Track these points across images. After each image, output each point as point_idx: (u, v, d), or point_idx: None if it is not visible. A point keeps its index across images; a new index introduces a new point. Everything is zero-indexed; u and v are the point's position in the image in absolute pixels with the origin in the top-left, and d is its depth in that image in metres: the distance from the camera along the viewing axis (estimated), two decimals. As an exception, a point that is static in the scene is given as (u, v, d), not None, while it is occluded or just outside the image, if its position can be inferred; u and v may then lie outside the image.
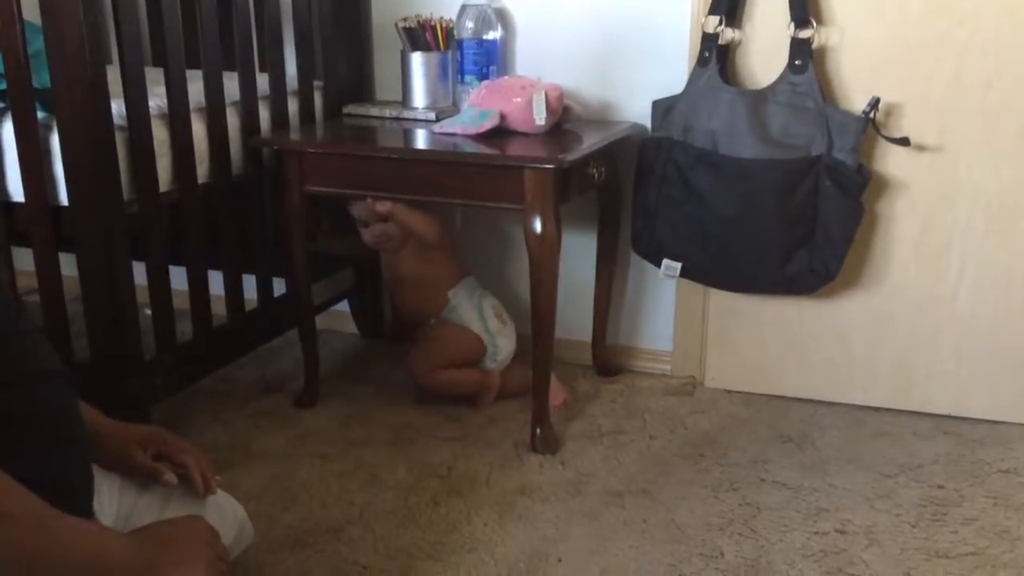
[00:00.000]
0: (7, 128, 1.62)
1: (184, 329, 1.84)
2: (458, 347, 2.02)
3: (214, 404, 2.06)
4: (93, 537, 0.92)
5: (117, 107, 1.61)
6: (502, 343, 2.05)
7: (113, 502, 1.15)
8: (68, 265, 1.66)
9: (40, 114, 1.59)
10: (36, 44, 1.55)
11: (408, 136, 1.98)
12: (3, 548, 0.80)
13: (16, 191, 1.64)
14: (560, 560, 1.54)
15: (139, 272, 1.69)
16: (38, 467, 0.94)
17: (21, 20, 1.53)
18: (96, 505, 1.10)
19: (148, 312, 1.75)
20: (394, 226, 1.97)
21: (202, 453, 1.25)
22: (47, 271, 1.67)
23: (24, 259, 1.70)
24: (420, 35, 2.04)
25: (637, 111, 2.05)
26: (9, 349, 0.94)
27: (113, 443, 1.16)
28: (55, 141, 1.58)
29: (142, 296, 1.72)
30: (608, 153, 1.94)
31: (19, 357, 0.96)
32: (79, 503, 1.02)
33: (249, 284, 1.99)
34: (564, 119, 1.96)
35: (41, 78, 1.57)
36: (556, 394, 2.02)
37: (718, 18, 1.88)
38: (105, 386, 1.68)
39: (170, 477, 1.18)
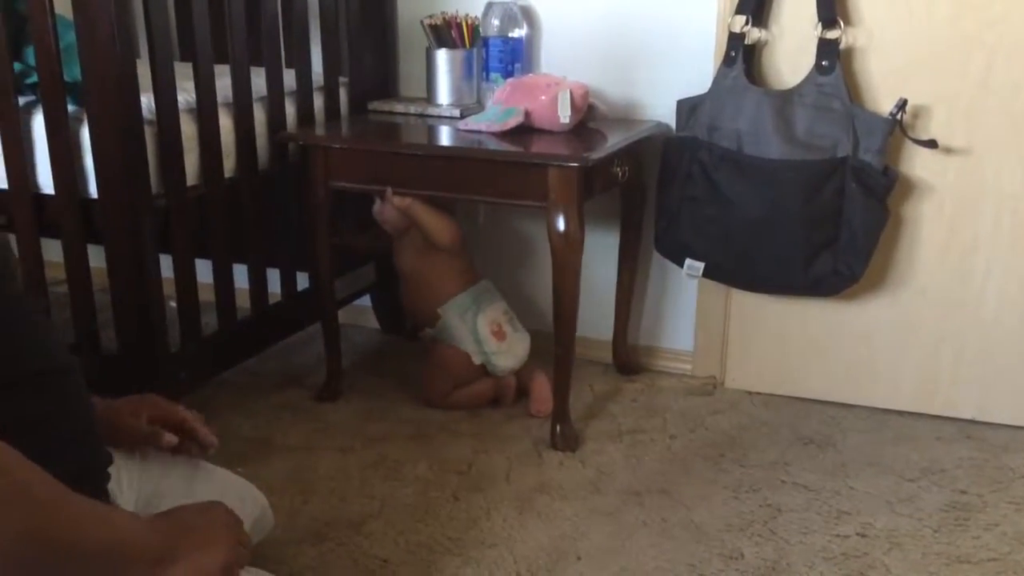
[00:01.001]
0: (38, 121, 1.64)
1: (208, 321, 1.86)
2: (455, 370, 2.01)
3: (237, 397, 2.07)
4: (112, 520, 0.92)
5: (146, 101, 1.62)
6: (501, 361, 2.01)
7: (133, 486, 1.16)
8: (96, 257, 1.68)
9: (71, 107, 1.61)
10: (67, 38, 1.57)
11: (432, 133, 1.99)
12: (22, 526, 0.80)
13: (46, 183, 1.67)
14: (579, 558, 1.54)
15: (165, 265, 1.71)
16: (51, 462, 0.95)
17: (53, 14, 1.55)
18: (116, 490, 1.11)
19: (173, 304, 1.77)
20: (392, 210, 1.96)
21: (196, 412, 1.25)
22: (76, 263, 1.69)
23: (53, 250, 1.72)
24: (446, 32, 2.05)
25: (662, 110, 2.05)
26: (16, 344, 0.94)
27: (105, 419, 1.17)
28: (85, 134, 1.60)
29: (168, 288, 1.74)
30: (632, 152, 1.94)
31: (28, 351, 0.96)
32: (90, 493, 1.03)
33: (273, 278, 2.01)
34: (589, 117, 1.96)
35: (72, 72, 1.59)
36: (544, 401, 2.00)
37: (745, 17, 1.88)
38: (131, 377, 1.70)
39: (169, 438, 1.19)
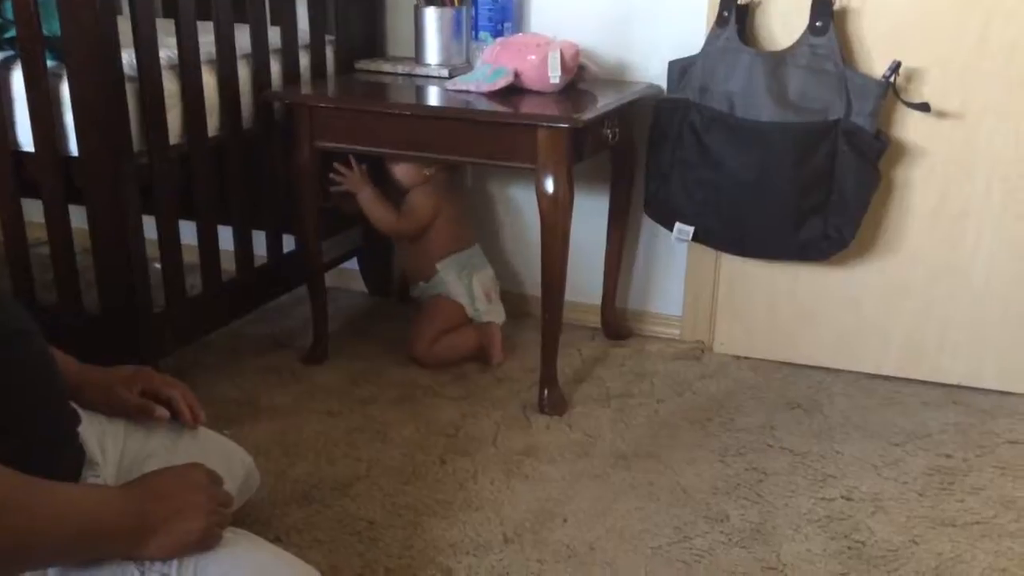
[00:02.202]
0: (17, 76, 1.60)
1: (193, 283, 1.84)
2: (446, 316, 2.05)
3: (223, 359, 2.06)
4: (82, 502, 0.90)
5: (127, 57, 1.59)
6: (489, 317, 2.08)
7: (118, 449, 1.15)
8: (78, 217, 1.65)
9: (50, 62, 1.58)
10: (46, -9, 1.53)
11: (420, 93, 1.96)
12: None
13: (26, 140, 1.63)
14: (566, 520, 1.55)
15: (149, 227, 1.69)
16: (18, 433, 0.93)
17: (30, -34, 1.51)
18: (98, 451, 1.10)
19: (157, 266, 1.74)
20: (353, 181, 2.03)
21: (187, 388, 1.24)
22: (57, 223, 1.66)
23: (34, 211, 1.70)
24: (434, -10, 2.01)
25: (653, 71, 2.02)
26: None
27: (97, 387, 1.16)
28: (65, 90, 1.57)
29: (152, 251, 1.71)
30: (623, 113, 1.92)
31: None
32: (64, 460, 1.02)
33: (259, 240, 1.98)
34: (579, 78, 1.93)
35: (51, 25, 1.55)
36: (498, 350, 2.06)
37: (738, -23, 1.85)
38: (114, 338, 1.69)
39: (161, 411, 1.18)
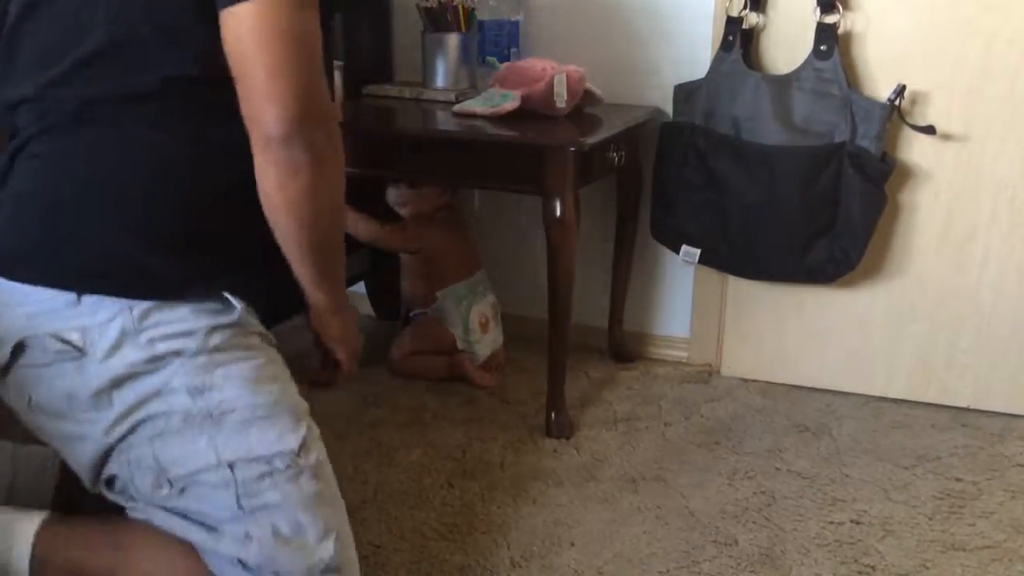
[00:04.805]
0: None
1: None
2: (432, 335, 2.08)
3: (230, 382, 2.06)
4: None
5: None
6: (480, 349, 2.09)
7: None
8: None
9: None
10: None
11: (428, 117, 1.97)
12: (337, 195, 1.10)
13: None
14: (573, 544, 1.54)
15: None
16: None
17: None
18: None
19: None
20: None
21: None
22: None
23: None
24: (441, 16, 2.03)
25: (659, 95, 2.04)
26: None
27: None
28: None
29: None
30: (629, 137, 1.93)
31: None
32: None
33: (266, 263, 1.99)
34: (585, 102, 1.95)
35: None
36: (482, 375, 2.08)
37: (743, 1, 1.87)
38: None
39: None
